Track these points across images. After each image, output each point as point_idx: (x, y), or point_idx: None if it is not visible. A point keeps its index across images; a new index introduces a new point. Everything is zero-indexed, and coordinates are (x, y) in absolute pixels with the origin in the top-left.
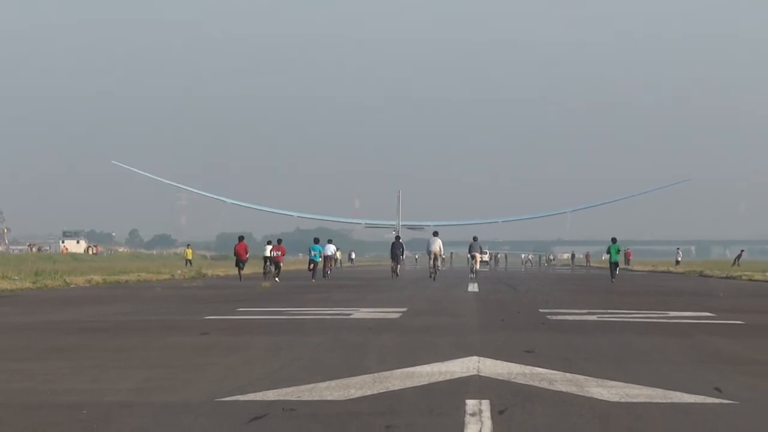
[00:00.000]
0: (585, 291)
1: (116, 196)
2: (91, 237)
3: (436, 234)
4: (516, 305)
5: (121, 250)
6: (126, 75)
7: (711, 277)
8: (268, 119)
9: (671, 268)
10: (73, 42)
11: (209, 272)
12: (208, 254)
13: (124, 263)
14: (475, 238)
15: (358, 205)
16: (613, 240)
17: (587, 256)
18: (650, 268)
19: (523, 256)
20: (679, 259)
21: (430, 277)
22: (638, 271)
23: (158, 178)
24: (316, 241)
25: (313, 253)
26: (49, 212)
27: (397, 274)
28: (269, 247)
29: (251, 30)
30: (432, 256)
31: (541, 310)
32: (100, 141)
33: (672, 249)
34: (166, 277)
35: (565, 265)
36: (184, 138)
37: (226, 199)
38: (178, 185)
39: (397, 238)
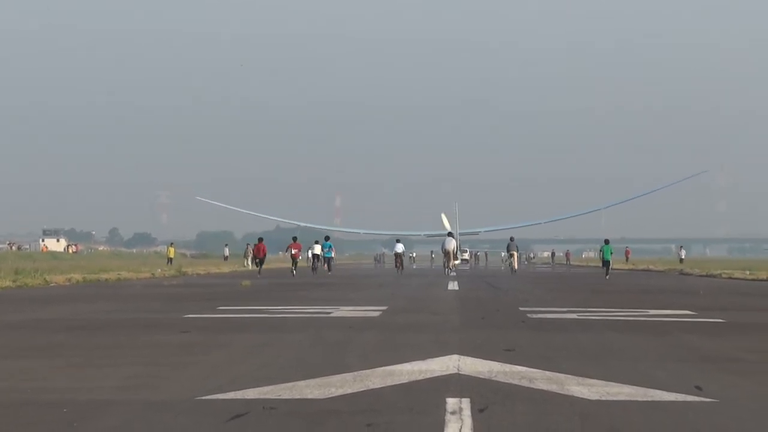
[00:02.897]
0: (565, 289)
1: (96, 195)
2: (71, 235)
3: (450, 235)
4: (496, 303)
5: (101, 248)
6: (101, 74)
7: (690, 275)
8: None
9: (651, 266)
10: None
11: (189, 270)
12: (188, 253)
13: (104, 262)
14: (512, 239)
15: (338, 203)
16: (606, 241)
17: (567, 254)
18: (630, 266)
19: (503, 254)
20: (683, 256)
21: (446, 273)
22: (618, 269)
23: (239, 209)
24: (327, 238)
25: (324, 249)
26: (30, 211)
27: (451, 269)
28: (318, 246)
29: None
30: (447, 255)
31: (521, 309)
32: (81, 140)
33: (652, 248)
34: (147, 275)
35: (545, 263)
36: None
37: (300, 223)
38: (257, 215)
39: (449, 234)
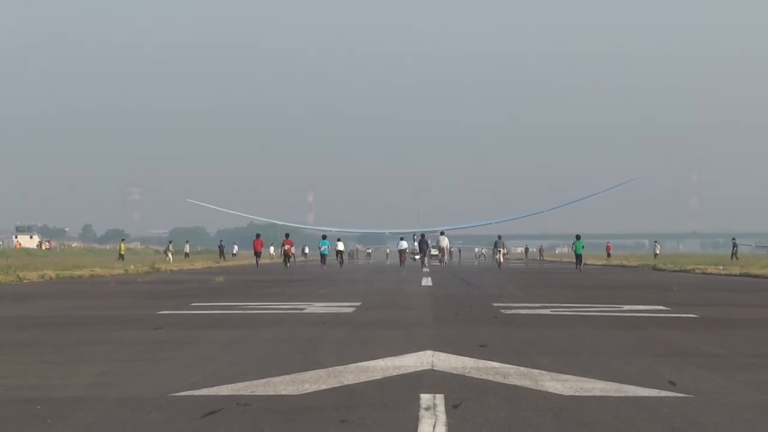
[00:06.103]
0: (538, 285)
1: (70, 191)
2: (44, 232)
3: (443, 233)
4: (469, 299)
5: (74, 245)
6: (71, 73)
7: (664, 270)
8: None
9: (624, 262)
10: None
11: (163, 267)
12: (161, 249)
13: (78, 258)
14: (499, 237)
15: (311, 199)
16: (578, 237)
17: (540, 249)
18: (603, 261)
19: (476, 249)
20: (657, 252)
21: (441, 265)
22: (591, 264)
23: (232, 212)
24: (324, 237)
25: (322, 247)
26: (2, 207)
27: (424, 264)
28: (340, 243)
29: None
30: (441, 251)
31: (494, 304)
32: (54, 137)
33: (625, 243)
34: (120, 272)
35: (518, 258)
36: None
37: (305, 225)
38: (252, 217)
39: (422, 235)
